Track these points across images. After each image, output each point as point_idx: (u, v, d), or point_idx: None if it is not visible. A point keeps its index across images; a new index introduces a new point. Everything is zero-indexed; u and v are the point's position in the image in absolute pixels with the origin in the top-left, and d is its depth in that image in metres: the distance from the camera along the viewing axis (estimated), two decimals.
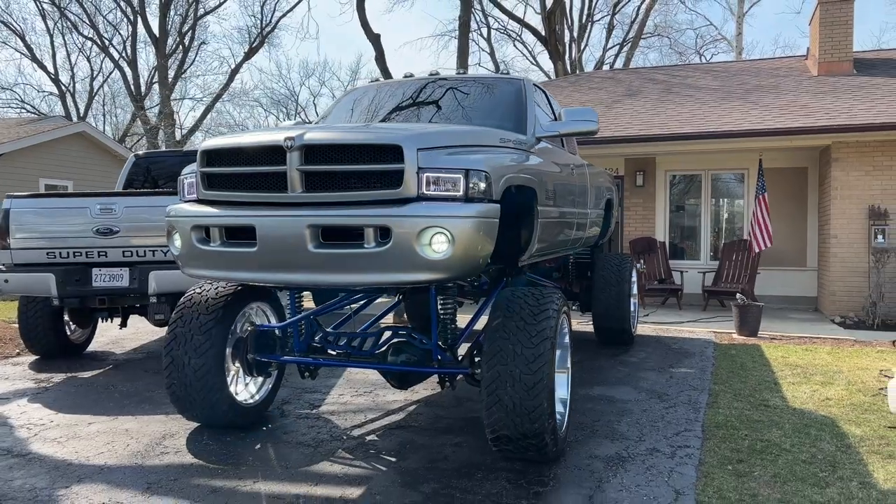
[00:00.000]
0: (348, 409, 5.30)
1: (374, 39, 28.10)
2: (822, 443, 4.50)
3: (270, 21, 36.97)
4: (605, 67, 36.85)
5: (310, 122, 5.57)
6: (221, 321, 4.52)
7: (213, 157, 3.99)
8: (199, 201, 4.07)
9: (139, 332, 8.83)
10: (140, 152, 8.67)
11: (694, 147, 11.65)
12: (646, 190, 12.87)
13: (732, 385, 6.03)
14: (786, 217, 12.19)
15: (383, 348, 4.54)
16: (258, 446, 4.46)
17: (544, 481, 3.85)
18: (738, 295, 9.22)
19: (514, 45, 53.52)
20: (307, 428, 4.84)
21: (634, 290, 7.96)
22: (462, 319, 5.04)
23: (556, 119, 5.89)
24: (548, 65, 36.94)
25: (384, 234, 3.56)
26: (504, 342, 3.80)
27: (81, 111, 37.13)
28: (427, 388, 5.91)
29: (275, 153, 3.75)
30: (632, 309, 7.76)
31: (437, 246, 3.52)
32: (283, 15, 45.71)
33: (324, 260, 3.63)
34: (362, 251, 3.57)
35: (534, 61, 46.88)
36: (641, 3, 34.22)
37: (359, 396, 5.67)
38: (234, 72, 37.59)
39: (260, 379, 4.98)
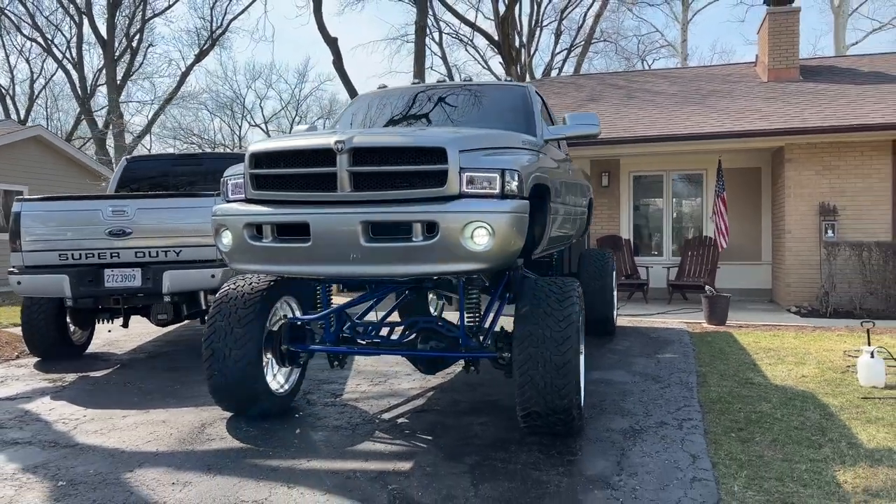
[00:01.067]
0: (370, 397, 5.60)
1: (332, 43, 28.24)
2: (807, 412, 5.02)
3: (221, 24, 36.70)
4: (554, 72, 37.78)
5: (314, 126, 5.89)
6: (258, 315, 4.77)
7: (261, 159, 4.25)
8: (248, 200, 4.33)
9: (130, 335, 8.90)
10: (131, 156, 8.77)
11: (656, 149, 12.27)
12: (611, 190, 13.47)
13: (716, 367, 6.55)
14: (742, 215, 12.94)
15: (412, 336, 4.88)
16: (298, 430, 4.73)
17: (573, 451, 4.25)
18: (706, 287, 9.83)
19: (466, 50, 54.24)
20: (338, 414, 5.13)
21: (615, 283, 8.45)
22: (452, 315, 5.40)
23: (552, 122, 6.31)
24: (498, 69, 37.51)
25: (431, 228, 3.89)
26: (534, 327, 4.18)
27: (22, 114, 36.10)
28: (438, 376, 6.25)
29: (325, 155, 4.04)
30: (613, 301, 8.26)
31: (479, 239, 3.88)
32: (234, 17, 45.46)
33: (375, 253, 3.95)
34: (411, 244, 3.90)
35: (485, 66, 47.47)
36: (587, 10, 35.28)
37: (375, 386, 5.97)
38: (185, 75, 37.14)
39: (288, 369, 5.23)
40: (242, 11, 42.51)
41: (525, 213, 4.06)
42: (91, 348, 7.99)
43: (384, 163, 3.98)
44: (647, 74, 17.05)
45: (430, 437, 4.54)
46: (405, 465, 4.05)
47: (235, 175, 4.46)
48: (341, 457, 4.22)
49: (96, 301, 6.50)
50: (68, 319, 7.27)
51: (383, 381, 6.14)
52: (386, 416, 5.09)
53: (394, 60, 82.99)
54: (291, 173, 4.14)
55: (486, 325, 4.93)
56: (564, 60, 38.55)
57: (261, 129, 48.69)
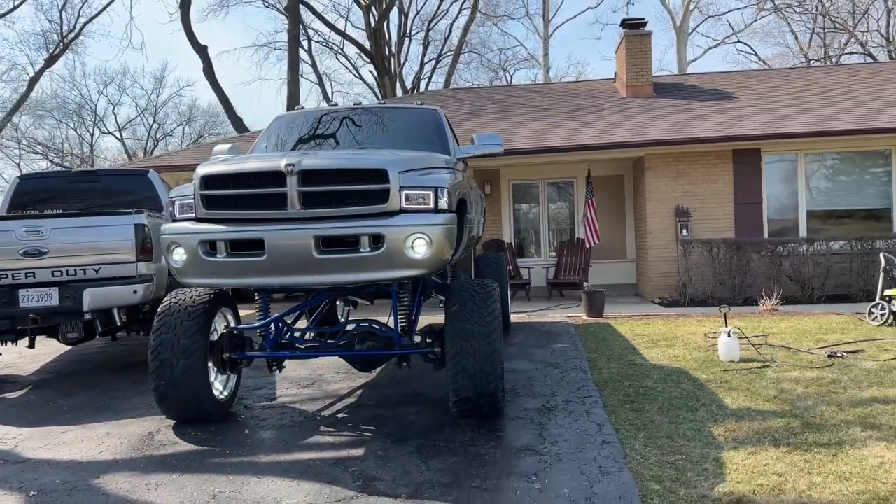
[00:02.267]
0: (303, 399, 6.00)
1: (201, 51, 27.68)
2: (682, 385, 5.98)
3: (74, 27, 34.84)
4: (423, 82, 38.87)
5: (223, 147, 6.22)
6: (202, 326, 5.06)
7: (211, 181, 4.60)
8: (199, 219, 4.65)
9: (24, 357, 8.65)
10: (24, 173, 8.56)
11: (533, 160, 13.32)
12: (493, 198, 14.40)
13: (603, 353, 7.47)
14: (608, 217, 14.28)
15: (348, 339, 5.36)
16: (247, 431, 5.08)
17: (500, 429, 4.90)
18: (585, 284, 10.90)
19: (337, 58, 54.26)
20: (279, 415, 5.50)
21: (508, 283, 9.26)
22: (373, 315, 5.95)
23: (457, 142, 6.98)
24: (370, 78, 38.04)
25: (377, 240, 4.43)
26: (464, 323, 4.79)
27: None
28: (361, 377, 6.74)
29: (275, 177, 4.47)
30: (507, 299, 9.06)
31: (419, 248, 4.46)
32: (88, 21, 42.89)
33: (328, 263, 4.42)
34: (360, 255, 4.42)
35: (357, 74, 47.80)
36: (453, 22, 36.65)
37: (304, 389, 6.36)
38: (34, 80, 34.95)
39: (226, 376, 5.54)
40: (97, 15, 40.54)
41: (454, 224, 4.68)
42: None
43: (331, 183, 4.47)
44: (520, 90, 18.24)
45: (372, 428, 5.05)
46: (358, 452, 4.54)
47: (182, 196, 4.76)
48: (296, 450, 4.64)
49: (13, 322, 6.43)
50: None
51: (311, 384, 6.54)
52: (325, 413, 5.53)
53: (262, 68, 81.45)
54: (244, 194, 4.53)
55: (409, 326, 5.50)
56: (433, 70, 39.71)
57: (115, 136, 46.15)
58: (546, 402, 5.55)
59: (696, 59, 36.89)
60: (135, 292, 6.58)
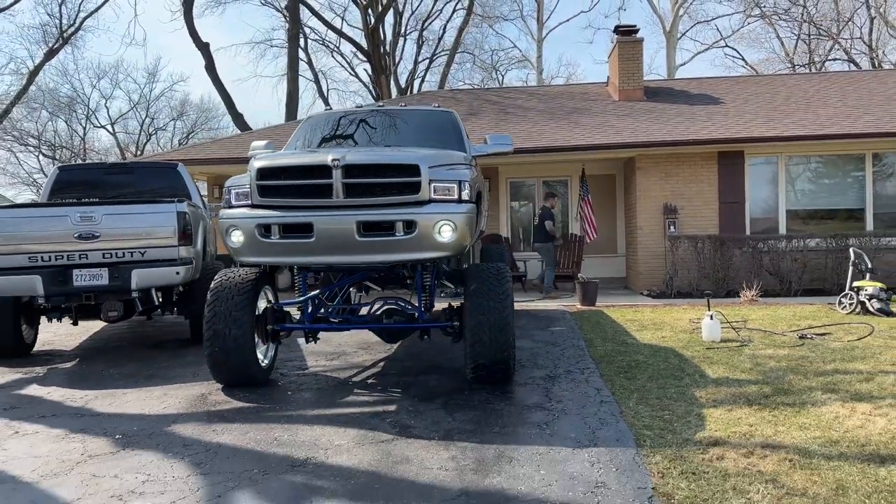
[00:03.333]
0: (333, 369, 6.71)
1: (203, 47, 28.25)
2: (669, 359, 6.73)
3: (74, 21, 35.29)
4: (417, 81, 39.55)
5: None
6: (250, 300, 5.76)
7: (266, 173, 5.31)
8: (254, 206, 5.34)
9: (58, 335, 9.28)
10: (63, 164, 9.20)
11: (530, 159, 14.05)
12: (492, 194, 15.12)
13: (597, 334, 8.22)
14: (600, 214, 15.01)
15: (377, 313, 6.07)
16: (289, 392, 5.79)
17: (511, 391, 5.64)
18: (579, 275, 11.67)
19: (332, 56, 54.70)
20: (314, 381, 6.21)
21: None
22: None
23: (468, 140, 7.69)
24: (364, 76, 38.65)
25: (409, 226, 5.14)
26: (481, 299, 5.50)
27: None
28: (382, 351, 7.45)
29: (322, 170, 5.17)
30: None
31: (445, 233, 5.18)
32: (88, 15, 43.19)
33: (367, 245, 5.14)
34: (395, 238, 5.14)
35: (352, 72, 48.49)
36: (447, 22, 37.36)
37: (332, 361, 7.07)
38: (34, 74, 35.41)
39: (267, 346, 6.22)
40: (96, 10, 40.67)
41: (475, 213, 5.42)
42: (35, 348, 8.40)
43: (371, 175, 5.20)
44: (516, 91, 19.00)
45: (399, 391, 5.77)
46: (391, 408, 5.25)
47: (239, 185, 5.46)
48: (336, 406, 5.35)
49: (68, 298, 7.09)
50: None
51: (337, 356, 7.24)
52: (355, 379, 6.25)
53: (259, 64, 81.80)
54: (295, 184, 5.23)
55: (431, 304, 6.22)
56: (427, 70, 40.38)
57: (107, 130, 46.25)
58: (549, 372, 6.29)
59: (685, 63, 37.95)
60: (177, 273, 7.25)
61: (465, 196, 5.30)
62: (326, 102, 38.68)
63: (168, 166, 9.32)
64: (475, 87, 35.33)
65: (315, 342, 6.30)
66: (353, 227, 5.11)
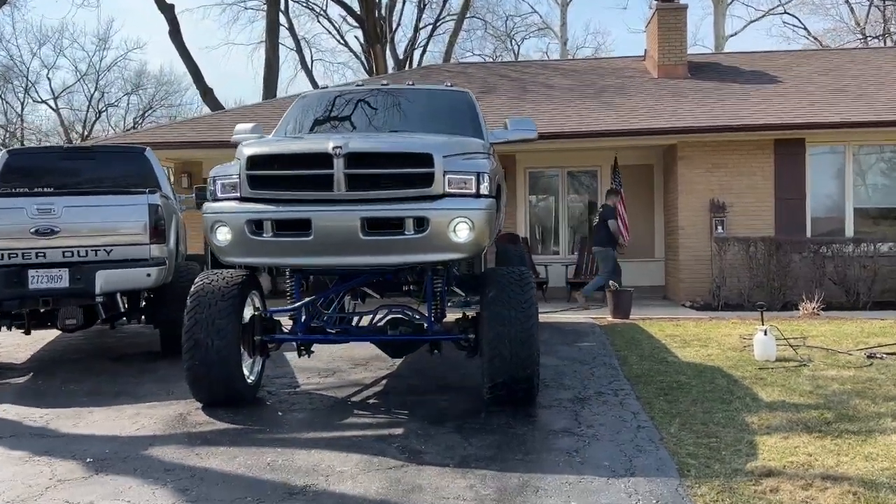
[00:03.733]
0: (327, 387, 6.93)
1: (167, 10, 28.52)
2: (716, 380, 6.94)
3: None
4: (418, 52, 39.77)
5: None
6: (236, 307, 5.97)
7: (257, 161, 5.52)
8: (243, 199, 5.56)
9: (7, 346, 9.51)
10: (12, 148, 9.44)
11: (553, 146, 14.28)
12: (508, 187, 15.32)
13: (633, 351, 8.44)
14: (635, 212, 15.20)
15: (381, 324, 6.29)
16: (280, 413, 6.01)
17: (534, 415, 5.85)
18: (610, 283, 11.87)
19: (319, 21, 54.99)
20: (307, 401, 6.43)
21: None
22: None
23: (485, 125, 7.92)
24: (355, 44, 38.89)
25: (420, 223, 5.35)
26: (501, 309, 5.70)
27: None
28: (382, 368, 7.67)
29: (322, 159, 5.39)
30: None
31: (461, 232, 5.39)
32: None
33: (372, 245, 5.35)
34: (404, 237, 5.35)
35: (341, 40, 48.74)
36: None
37: (326, 378, 7.29)
38: None
39: (253, 360, 6.42)
40: None
41: (494, 209, 5.64)
42: None
43: (377, 165, 5.41)
44: (538, 66, 19.24)
45: (406, 412, 5.98)
46: (397, 431, 5.47)
47: (225, 175, 5.68)
48: (335, 429, 5.57)
49: (22, 303, 7.32)
50: None
51: (331, 374, 7.46)
52: (354, 399, 6.47)
53: (231, 30, 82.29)
54: (291, 175, 5.45)
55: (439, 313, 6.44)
56: (429, 38, 40.56)
57: (49, 105, 46.16)
58: (578, 394, 6.50)
59: (735, 34, 38.18)
60: (148, 275, 7.49)
61: (483, 190, 5.51)
62: (310, 75, 38.98)
63: (134, 151, 9.54)
64: (488, 59, 35.55)
65: (308, 356, 6.52)
66: (356, 224, 5.32)
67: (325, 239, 5.37)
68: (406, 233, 5.37)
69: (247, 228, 5.48)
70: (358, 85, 7.62)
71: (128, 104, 48.75)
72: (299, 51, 38.66)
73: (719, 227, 13.60)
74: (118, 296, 7.86)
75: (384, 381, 7.12)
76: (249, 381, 6.28)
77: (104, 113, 47.99)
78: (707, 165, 13.76)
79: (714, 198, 13.69)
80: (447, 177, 5.44)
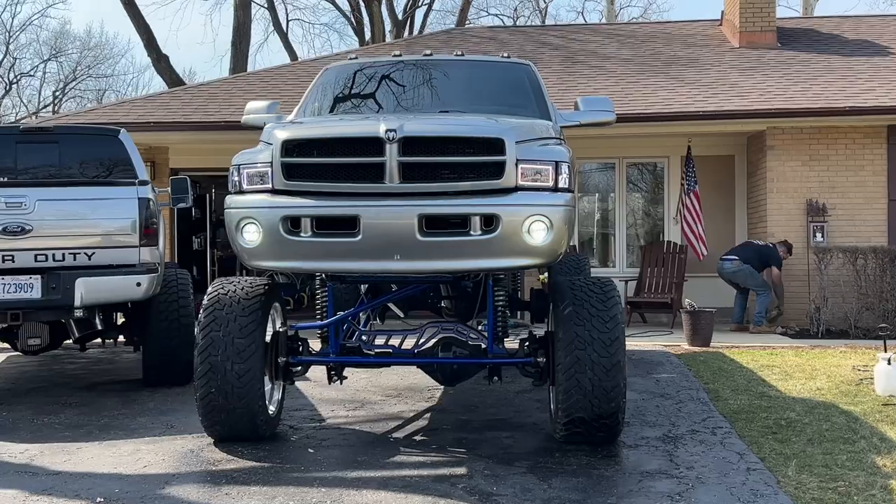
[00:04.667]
0: (360, 420, 7.34)
1: None
2: (833, 418, 7.33)
3: None
4: (421, 11, 40.26)
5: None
6: (259, 323, 6.32)
7: (294, 147, 5.90)
8: (275, 191, 5.95)
9: None
10: None
11: (607, 131, 14.68)
12: None
13: (724, 384, 8.84)
14: (710, 215, 15.58)
15: (429, 344, 6.68)
16: (311, 450, 6.40)
17: (618, 455, 6.25)
18: (686, 301, 12.29)
19: None
20: (340, 436, 6.83)
21: None
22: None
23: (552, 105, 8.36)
24: (343, 2, 39.31)
25: (489, 222, 5.73)
26: (580, 328, 6.07)
27: None
28: (421, 399, 8.08)
29: (372, 144, 5.78)
30: None
31: (537, 234, 5.77)
32: None
33: (432, 247, 5.73)
34: (469, 238, 5.72)
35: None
36: None
37: (354, 410, 7.70)
38: None
39: (273, 386, 6.79)
40: None
41: (574, 206, 6.02)
42: None
43: (438, 152, 5.79)
44: (586, 31, 19.74)
45: (463, 450, 6.38)
46: (459, 470, 5.86)
47: (252, 163, 6.05)
48: (383, 468, 5.96)
49: None
50: None
51: (359, 406, 7.88)
52: (396, 435, 6.87)
53: None
54: (336, 163, 5.84)
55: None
56: None
57: None
58: (667, 432, 6.90)
59: None
60: (138, 284, 7.90)
61: (562, 182, 5.87)
62: (285, 39, 39.50)
63: (106, 133, 9.92)
64: (508, 18, 35.96)
65: (340, 382, 6.90)
66: (413, 222, 5.67)
67: (376, 240, 5.72)
68: (472, 233, 5.70)
69: (282, 227, 5.81)
70: (395, 56, 8.02)
71: (44, 73, 48.88)
72: (272, 7, 39.10)
73: (818, 235, 14.01)
74: (96, 311, 8.26)
75: (427, 415, 7.53)
76: (270, 412, 6.66)
77: (15, 85, 48.10)
78: (803, 157, 14.18)
79: (812, 198, 14.10)
80: (520, 167, 5.79)
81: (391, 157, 5.71)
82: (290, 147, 5.93)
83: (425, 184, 5.80)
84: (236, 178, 6.12)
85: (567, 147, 6.63)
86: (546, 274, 11.81)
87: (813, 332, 13.40)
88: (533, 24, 43.28)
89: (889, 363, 8.24)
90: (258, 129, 7.37)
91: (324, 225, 5.84)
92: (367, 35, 36.46)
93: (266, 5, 38.71)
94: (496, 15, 44.87)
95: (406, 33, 38.77)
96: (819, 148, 14.19)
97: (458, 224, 5.77)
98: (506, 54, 8.63)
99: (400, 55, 8.09)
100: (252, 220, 5.91)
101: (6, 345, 9.82)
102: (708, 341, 11.87)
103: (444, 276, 6.42)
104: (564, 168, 5.92)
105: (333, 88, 7.73)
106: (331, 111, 7.48)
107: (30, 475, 5.91)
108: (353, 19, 39.26)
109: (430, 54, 8.08)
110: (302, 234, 5.83)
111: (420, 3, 40.81)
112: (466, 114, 6.83)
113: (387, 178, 5.75)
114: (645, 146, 15.90)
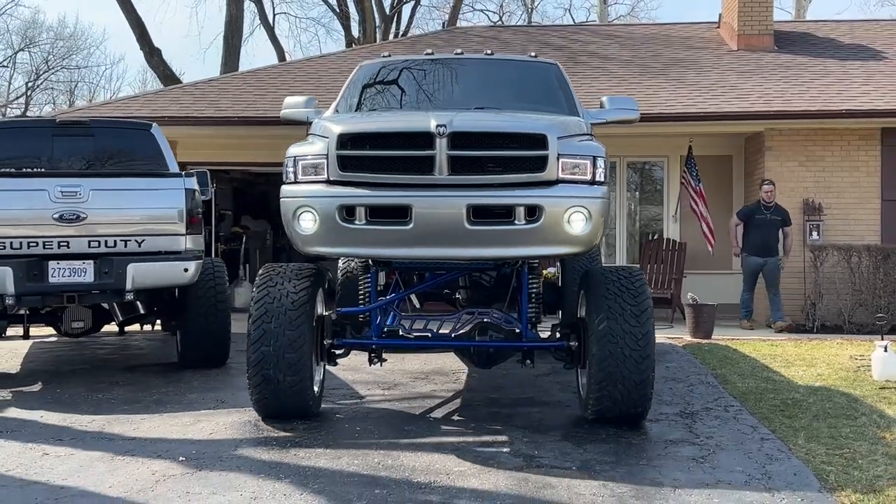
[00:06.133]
0: (397, 398, 8.10)
1: None
2: (835, 398, 8.12)
3: None
4: (408, 6, 40.80)
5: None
6: (308, 312, 6.81)
7: (349, 140, 6.59)
8: (330, 182, 6.62)
9: None
10: None
11: (610, 130, 15.45)
12: None
13: (730, 370, 9.63)
14: (710, 212, 16.39)
15: (467, 328, 7.36)
16: (358, 425, 7.13)
17: (643, 427, 7.01)
18: (689, 295, 13.08)
19: None
20: (383, 412, 7.58)
21: None
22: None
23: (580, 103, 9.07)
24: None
25: (532, 212, 6.44)
26: (613, 321, 6.64)
27: None
28: (449, 381, 8.83)
29: (422, 138, 6.46)
30: None
31: (576, 224, 6.46)
32: None
33: (479, 236, 6.43)
34: (514, 227, 6.43)
35: None
36: None
37: (390, 390, 8.45)
38: None
39: (318, 367, 7.47)
40: None
41: (609, 198, 6.72)
42: None
43: (484, 147, 6.48)
44: (586, 31, 20.52)
45: (499, 424, 7.13)
46: (501, 438, 6.63)
47: (308, 155, 6.69)
48: (430, 434, 6.73)
49: (44, 300, 8.39)
50: None
51: (392, 386, 8.63)
52: (436, 412, 7.62)
53: None
54: (389, 155, 6.53)
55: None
56: None
57: None
58: (683, 409, 7.68)
59: None
60: (186, 270, 8.59)
61: (599, 176, 6.55)
62: (271, 33, 39.92)
63: (139, 127, 10.61)
64: (500, 17, 36.61)
65: (381, 364, 7.52)
66: (461, 211, 6.33)
67: (427, 228, 6.39)
68: (517, 223, 6.37)
69: (338, 215, 6.44)
70: (427, 54, 8.68)
71: (13, 65, 48.62)
72: (258, 1, 39.51)
73: (814, 233, 14.79)
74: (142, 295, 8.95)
75: (458, 395, 8.28)
76: (316, 391, 7.23)
77: None
78: (800, 158, 14.95)
79: (808, 197, 14.88)
80: (561, 161, 6.47)
81: (441, 151, 6.34)
82: (345, 140, 6.53)
83: (472, 176, 6.45)
84: (291, 169, 6.70)
85: (600, 143, 7.33)
86: (552, 270, 12.60)
87: (808, 327, 14.18)
88: (522, 20, 44.21)
89: (885, 350, 9.05)
90: (297, 122, 8.21)
91: (377, 213, 6.46)
92: (355, 30, 37.08)
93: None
94: (482, 10, 45.54)
95: (393, 28, 39.50)
96: (815, 149, 14.96)
97: (504, 214, 6.41)
98: (533, 53, 9.36)
99: (432, 53, 8.74)
100: (309, 209, 6.51)
101: (39, 331, 10.55)
102: (710, 334, 12.65)
103: (487, 263, 7.11)
104: (601, 162, 6.60)
105: (372, 84, 8.35)
106: (371, 107, 8.14)
107: (107, 440, 6.62)
108: (337, 11, 39.71)
109: (461, 53, 8.79)
110: (356, 222, 6.44)
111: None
112: (505, 111, 7.51)
113: (436, 171, 6.39)
114: (645, 146, 16.67)
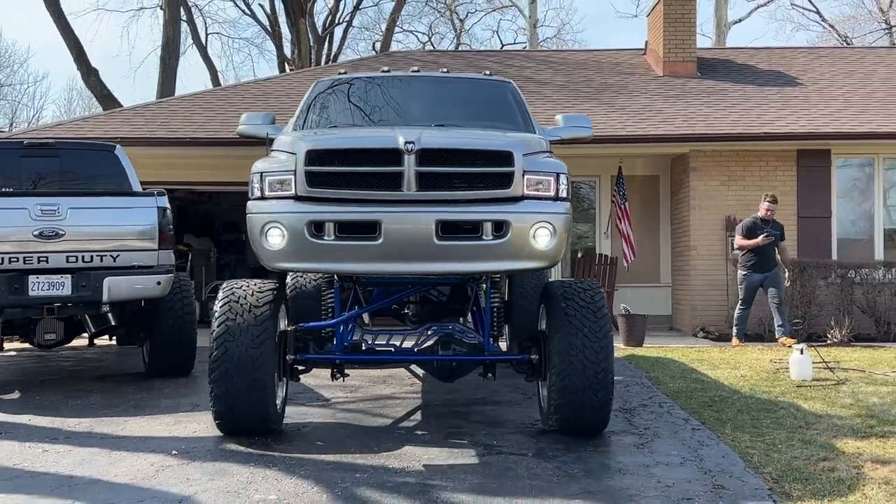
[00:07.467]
0: (360, 399, 8.77)
1: None
2: (757, 395, 8.97)
3: None
4: (339, 28, 41.42)
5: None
6: (270, 329, 6.92)
7: (317, 157, 6.87)
8: (298, 198, 6.92)
9: None
10: None
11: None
12: None
13: (662, 372, 10.46)
14: (639, 230, 17.26)
15: (429, 343, 7.66)
16: (332, 420, 7.77)
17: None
18: (622, 306, 13.92)
19: None
20: (349, 410, 8.24)
21: None
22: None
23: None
24: (263, 16, 40.27)
25: (499, 228, 6.79)
26: (573, 337, 6.96)
27: None
28: (406, 384, 9.50)
29: (390, 155, 6.79)
30: None
31: (542, 239, 6.82)
32: None
33: (448, 251, 6.78)
34: (482, 243, 6.80)
35: (245, 10, 49.91)
36: None
37: (353, 393, 9.11)
38: None
39: (281, 383, 7.58)
40: None
41: (571, 214, 7.13)
42: None
43: (452, 163, 6.82)
44: (519, 57, 21.43)
45: (459, 420, 7.84)
46: (461, 429, 7.32)
47: (275, 171, 6.91)
48: (399, 430, 7.40)
49: (24, 312, 8.88)
50: None
51: (354, 389, 9.30)
52: (398, 409, 8.32)
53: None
54: (357, 172, 6.91)
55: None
56: (353, 12, 42.02)
57: None
58: (622, 406, 8.45)
59: (740, 20, 40.99)
60: (158, 283, 9.14)
61: (562, 192, 6.92)
62: (204, 52, 40.25)
63: (103, 149, 11.10)
64: (430, 38, 37.47)
65: (343, 379, 7.86)
66: (431, 227, 6.68)
67: (396, 243, 6.70)
68: (484, 238, 6.71)
69: (307, 231, 6.67)
70: (384, 71, 9.19)
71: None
72: (191, 21, 39.72)
73: (736, 248, 15.74)
74: (107, 307, 9.46)
75: (419, 396, 8.98)
76: (278, 406, 7.21)
77: None
78: (722, 178, 15.94)
79: (730, 214, 15.82)
80: (526, 177, 6.80)
81: (409, 167, 6.63)
82: (313, 157, 6.70)
83: (441, 192, 6.74)
84: (258, 185, 6.80)
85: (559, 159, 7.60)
86: None
87: (731, 335, 15.07)
88: (451, 42, 45.16)
89: (801, 353, 9.95)
90: (254, 138, 8.37)
91: (346, 229, 6.62)
92: (287, 51, 37.59)
93: (185, 18, 39.34)
94: (412, 31, 46.42)
95: (325, 49, 40.09)
96: (736, 169, 15.94)
97: (472, 229, 6.63)
98: (488, 72, 9.90)
99: (388, 70, 9.28)
100: (277, 225, 6.63)
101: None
102: (641, 342, 13.50)
103: (454, 278, 7.59)
104: (563, 179, 6.94)
105: (327, 101, 8.64)
106: (332, 123, 8.33)
107: (99, 438, 7.17)
108: (273, 34, 40.12)
109: (418, 70, 9.37)
110: (325, 238, 6.58)
111: (339, 21, 41.99)
112: (465, 128, 7.90)
113: (405, 186, 6.68)
114: (578, 166, 17.38)
